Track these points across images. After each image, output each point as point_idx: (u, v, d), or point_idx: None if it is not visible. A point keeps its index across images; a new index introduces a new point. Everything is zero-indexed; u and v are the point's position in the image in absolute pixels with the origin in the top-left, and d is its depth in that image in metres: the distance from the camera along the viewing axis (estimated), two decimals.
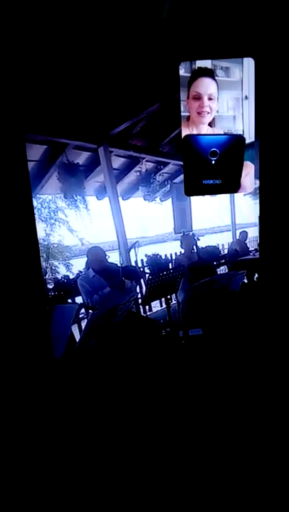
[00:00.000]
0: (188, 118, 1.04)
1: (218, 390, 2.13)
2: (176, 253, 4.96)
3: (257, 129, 1.08)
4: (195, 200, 4.67)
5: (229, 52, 1.02)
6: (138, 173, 3.62)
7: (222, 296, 3.27)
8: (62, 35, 1.58)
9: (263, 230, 1.75)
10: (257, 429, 1.75)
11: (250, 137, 1.12)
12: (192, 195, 1.16)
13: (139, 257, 4.24)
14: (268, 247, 1.76)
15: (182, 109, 1.06)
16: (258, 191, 5.09)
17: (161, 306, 4.89)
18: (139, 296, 4.02)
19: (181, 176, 4.60)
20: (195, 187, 1.06)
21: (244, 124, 1.03)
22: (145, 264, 4.45)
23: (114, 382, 2.22)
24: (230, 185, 1.06)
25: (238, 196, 5.67)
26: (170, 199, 4.48)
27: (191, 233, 3.96)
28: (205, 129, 1.03)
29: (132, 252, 3.70)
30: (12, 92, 1.44)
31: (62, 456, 1.67)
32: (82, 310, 3.38)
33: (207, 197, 4.88)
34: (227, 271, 4.95)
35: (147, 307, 4.55)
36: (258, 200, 5.75)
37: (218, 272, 4.90)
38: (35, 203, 4.07)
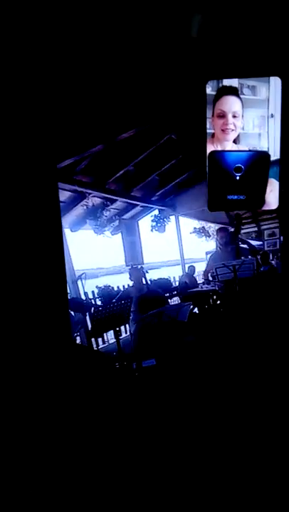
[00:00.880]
0: (213, 135, 1.08)
1: (174, 421, 2.10)
2: (128, 285, 5.02)
3: (282, 147, 1.10)
4: (144, 236, 4.88)
5: (256, 71, 1.06)
6: (85, 207, 3.74)
7: (172, 327, 3.34)
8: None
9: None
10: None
11: (275, 155, 1.12)
12: (216, 211, 1.16)
13: (89, 288, 4.25)
14: None
15: (208, 126, 1.08)
16: (201, 230, 5.40)
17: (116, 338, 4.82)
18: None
19: (131, 212, 4.84)
20: (219, 202, 1.07)
21: (269, 142, 1.06)
22: (96, 296, 4.46)
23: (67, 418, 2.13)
24: (255, 201, 1.07)
25: (185, 235, 6.00)
26: (124, 231, 4.63)
27: (139, 266, 4.08)
28: (229, 146, 1.06)
29: (79, 284, 3.71)
30: None
31: None
32: None
33: (155, 233, 5.12)
34: (177, 303, 5.10)
35: (100, 340, 4.48)
36: (202, 238, 6.11)
37: (171, 303, 5.02)
38: None
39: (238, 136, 1.07)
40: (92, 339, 4.14)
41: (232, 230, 4.29)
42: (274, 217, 6.91)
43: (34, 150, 1.65)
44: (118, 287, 4.86)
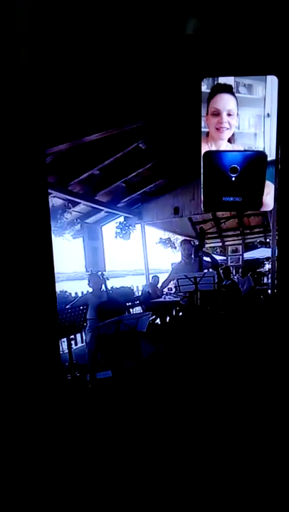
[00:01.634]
0: (207, 134, 1.04)
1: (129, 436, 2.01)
2: (87, 291, 4.88)
3: (278, 147, 1.07)
4: (108, 242, 4.78)
5: (252, 69, 1.04)
6: None
7: (130, 337, 3.24)
8: None
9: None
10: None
11: (270, 155, 1.10)
12: (211, 211, 1.13)
13: None
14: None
15: (202, 124, 1.05)
16: (167, 241, 5.40)
17: (68, 348, 4.65)
18: None
19: (94, 217, 4.74)
20: (214, 203, 1.03)
21: (265, 142, 1.03)
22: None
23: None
24: (252, 202, 1.03)
25: (150, 245, 5.99)
26: (86, 235, 4.51)
27: (99, 272, 3.96)
28: (224, 145, 1.03)
29: None
30: None
31: None
32: None
33: (120, 240, 5.05)
34: (138, 312, 5.02)
35: None
36: (168, 249, 6.13)
37: (132, 313, 4.94)
38: None
39: (233, 135, 1.04)
40: None
41: (197, 243, 4.32)
42: (237, 234, 7.10)
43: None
44: (76, 294, 4.69)
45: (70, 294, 4.38)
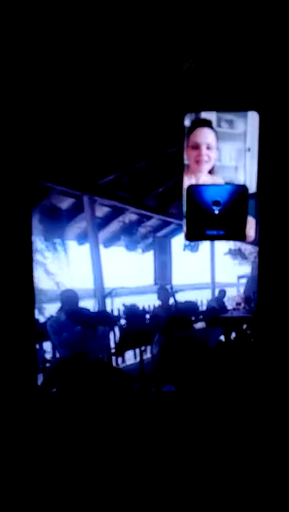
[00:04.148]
0: (188, 166, 1.09)
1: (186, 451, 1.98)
2: (154, 305, 4.92)
3: (258, 181, 1.11)
4: (176, 255, 4.79)
5: (234, 105, 1.10)
6: (121, 223, 3.74)
7: (198, 352, 3.19)
8: (56, 81, 1.68)
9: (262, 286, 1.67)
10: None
11: (251, 189, 1.13)
12: (194, 241, 1.18)
13: (115, 306, 4.19)
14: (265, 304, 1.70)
15: (184, 157, 1.11)
16: (237, 252, 5.23)
17: (136, 358, 4.72)
18: (113, 345, 3.89)
19: (165, 230, 4.79)
20: (197, 235, 1.08)
21: (246, 175, 1.06)
22: (122, 314, 4.37)
23: (77, 435, 2.06)
24: (235, 235, 1.06)
25: (218, 256, 5.85)
26: (152, 251, 4.59)
27: (168, 286, 3.99)
28: (204, 177, 1.07)
29: (107, 300, 3.66)
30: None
31: None
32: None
33: (188, 253, 5.02)
34: (204, 327, 4.92)
35: (120, 359, 4.37)
36: (237, 261, 5.90)
37: (195, 328, 4.85)
38: None
39: (213, 167, 1.05)
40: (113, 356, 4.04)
41: None
42: None
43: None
44: (144, 307, 4.77)
45: (138, 306, 4.46)
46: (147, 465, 1.87)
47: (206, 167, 1.06)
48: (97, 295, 3.72)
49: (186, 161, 1.09)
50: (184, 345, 3.19)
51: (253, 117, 1.06)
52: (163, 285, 4.07)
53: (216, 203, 1.03)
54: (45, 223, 3.08)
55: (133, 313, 4.28)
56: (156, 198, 3.93)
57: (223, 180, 1.07)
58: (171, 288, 3.89)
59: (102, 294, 3.72)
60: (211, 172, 1.06)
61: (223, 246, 6.00)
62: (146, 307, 4.87)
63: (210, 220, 1.04)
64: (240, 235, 1.07)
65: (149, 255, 4.45)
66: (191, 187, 1.04)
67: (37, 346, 3.22)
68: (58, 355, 2.93)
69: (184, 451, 1.95)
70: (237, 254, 6.16)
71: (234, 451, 1.87)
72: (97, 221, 3.43)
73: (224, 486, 1.71)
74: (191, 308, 4.97)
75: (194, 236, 1.07)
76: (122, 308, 4.37)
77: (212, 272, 5.78)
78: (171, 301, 3.90)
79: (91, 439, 1.89)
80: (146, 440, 2.09)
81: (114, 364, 4.15)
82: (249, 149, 1.05)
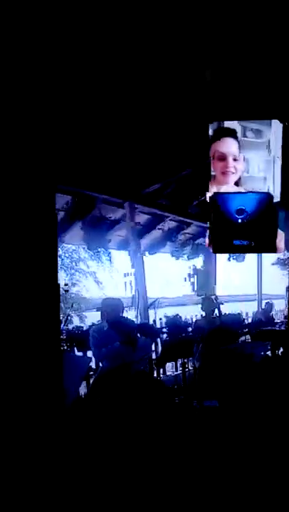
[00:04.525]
0: (214, 177, 1.09)
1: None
2: (196, 316, 4.80)
3: (283, 191, 1.07)
4: (221, 264, 4.64)
5: (258, 114, 1.08)
6: (161, 231, 3.71)
7: (243, 367, 3.03)
8: (98, 93, 1.72)
9: None
10: None
11: (276, 198, 1.11)
12: (221, 253, 1.13)
13: (157, 316, 4.13)
14: None
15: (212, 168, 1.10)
16: (286, 262, 4.94)
17: (176, 370, 4.62)
18: (154, 356, 3.83)
19: (206, 238, 4.67)
20: (225, 246, 1.05)
21: (275, 185, 1.05)
22: (164, 325, 4.30)
23: (117, 445, 2.03)
24: (264, 246, 1.03)
25: (266, 266, 5.58)
26: (200, 257, 4.48)
27: (213, 297, 3.85)
28: (230, 189, 1.05)
29: (151, 310, 3.62)
30: (47, 146, 1.56)
31: None
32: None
33: (233, 263, 4.83)
34: (250, 341, 4.69)
35: (161, 370, 4.29)
36: (286, 271, 5.58)
37: (240, 341, 4.64)
38: (59, 252, 4.24)
39: (240, 178, 1.03)
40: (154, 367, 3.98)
41: None
42: None
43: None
44: (186, 318, 4.67)
45: (180, 317, 4.37)
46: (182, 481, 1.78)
47: (233, 178, 1.03)
48: (139, 305, 3.69)
49: (212, 172, 1.10)
50: (228, 360, 3.04)
51: (277, 126, 1.03)
52: (208, 296, 3.94)
53: (240, 211, 0.98)
54: (88, 232, 3.14)
55: (175, 325, 4.19)
56: (199, 205, 3.85)
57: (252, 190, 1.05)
58: (216, 299, 3.75)
59: (144, 303, 3.69)
60: (237, 184, 1.03)
61: (271, 256, 5.69)
62: (189, 318, 4.77)
63: (236, 229, 1.00)
64: (270, 247, 1.00)
65: (192, 263, 4.36)
66: (215, 195, 1.01)
67: (80, 353, 3.27)
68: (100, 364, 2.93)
69: (224, 470, 1.85)
70: (286, 264, 5.79)
71: (280, 477, 1.74)
72: (138, 229, 3.43)
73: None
74: (236, 320, 4.76)
75: (221, 247, 1.04)
76: (164, 319, 4.31)
77: (259, 282, 5.51)
78: (216, 312, 3.76)
79: (129, 448, 1.86)
80: (186, 454, 2.04)
81: (155, 375, 4.10)
82: (279, 157, 1.03)
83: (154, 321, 4.08)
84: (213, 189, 1.09)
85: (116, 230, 3.50)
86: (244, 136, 1.04)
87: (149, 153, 2.57)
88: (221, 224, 1.00)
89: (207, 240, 1.08)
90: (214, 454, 2.06)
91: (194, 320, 4.63)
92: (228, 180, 1.05)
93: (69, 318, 3.58)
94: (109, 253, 3.39)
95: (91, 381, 2.95)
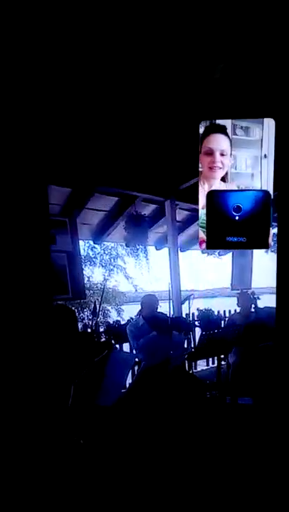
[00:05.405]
0: (200, 173, 1.05)
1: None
2: (229, 311, 4.72)
3: (275, 188, 1.05)
4: (257, 257, 4.49)
5: (250, 112, 1.05)
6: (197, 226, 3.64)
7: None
8: (135, 92, 1.76)
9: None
10: None
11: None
12: (214, 249, 1.19)
13: (191, 311, 4.10)
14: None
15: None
16: None
17: (208, 365, 4.59)
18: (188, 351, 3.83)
19: None
20: (218, 243, 1.02)
21: (262, 182, 1.03)
22: (196, 319, 4.27)
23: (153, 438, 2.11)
24: (257, 242, 1.02)
25: None
26: (230, 254, 4.39)
27: (250, 291, 3.75)
28: (217, 184, 1.03)
29: (185, 304, 3.60)
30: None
31: None
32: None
33: (271, 256, 4.67)
34: None
35: (192, 364, 4.28)
36: None
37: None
38: (98, 249, 4.37)
39: (226, 174, 1.01)
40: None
41: None
42: None
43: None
44: (219, 312, 4.59)
45: (213, 311, 4.30)
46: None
47: (220, 174, 1.02)
48: (173, 299, 3.69)
49: (200, 168, 1.04)
50: (266, 357, 2.97)
51: (269, 124, 1.02)
52: (244, 290, 3.84)
53: (238, 209, 0.99)
54: (129, 230, 3.17)
55: (208, 319, 4.14)
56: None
57: (239, 187, 1.02)
58: (253, 294, 3.65)
59: (178, 298, 3.68)
60: (224, 179, 1.02)
61: None
62: (222, 312, 4.69)
63: (231, 226, 1.00)
64: (262, 243, 1.01)
65: (225, 258, 4.27)
66: (211, 192, 1.00)
67: (117, 347, 3.34)
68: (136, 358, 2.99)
69: (254, 469, 1.85)
70: None
71: None
72: (177, 225, 3.40)
73: None
74: (273, 316, 4.62)
75: (215, 244, 1.01)
76: (196, 313, 4.27)
77: None
78: (252, 307, 3.67)
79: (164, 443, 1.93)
80: (218, 452, 2.08)
81: (187, 370, 4.10)
82: (265, 156, 1.01)
83: (187, 314, 4.06)
84: (200, 185, 1.03)
85: (155, 227, 3.51)
86: (234, 134, 1.03)
87: (186, 148, 2.56)
88: (217, 221, 1.01)
89: (202, 236, 1.07)
90: (245, 451, 2.05)
91: (229, 315, 4.56)
92: (215, 175, 1.03)
93: (106, 312, 3.65)
94: (147, 250, 3.39)
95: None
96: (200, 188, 1.06)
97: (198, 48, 1.63)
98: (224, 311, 4.74)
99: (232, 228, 0.99)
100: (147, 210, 3.19)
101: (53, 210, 2.88)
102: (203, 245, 1.02)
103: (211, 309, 4.32)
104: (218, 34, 1.55)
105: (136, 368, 3.22)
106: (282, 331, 1.67)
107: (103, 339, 3.25)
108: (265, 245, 1.02)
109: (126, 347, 3.47)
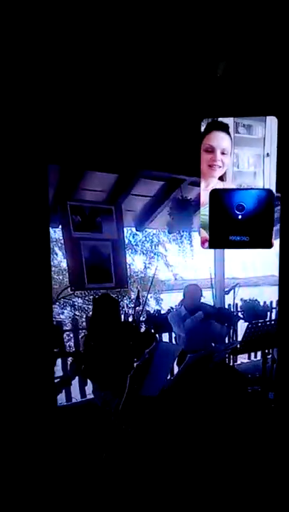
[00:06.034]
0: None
1: None
2: (276, 301, 4.47)
3: (278, 186, 1.05)
4: None
5: (252, 110, 1.06)
6: None
7: None
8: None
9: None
10: None
11: None
12: (216, 248, 1.16)
13: (235, 301, 3.95)
14: None
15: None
16: None
17: (249, 358, 4.45)
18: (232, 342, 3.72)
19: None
20: (221, 241, 1.05)
21: (264, 181, 1.03)
22: (239, 309, 4.09)
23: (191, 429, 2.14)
24: (261, 242, 1.03)
25: None
26: (278, 240, 4.13)
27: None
28: (214, 183, 1.03)
29: (230, 294, 3.48)
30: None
31: None
32: None
33: None
34: None
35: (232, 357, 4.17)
36: None
37: None
38: (140, 236, 4.30)
39: (225, 173, 1.03)
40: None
41: None
42: None
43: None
44: (265, 302, 4.38)
45: (258, 302, 4.09)
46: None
47: (219, 172, 1.03)
48: (216, 288, 3.56)
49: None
50: None
51: (271, 122, 1.02)
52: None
53: (241, 207, 0.99)
54: (175, 215, 3.07)
55: (253, 311, 3.96)
56: None
57: (242, 186, 1.04)
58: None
59: (222, 286, 3.56)
60: (221, 178, 1.03)
61: None
62: (268, 303, 4.47)
63: (234, 225, 1.01)
64: (265, 242, 1.01)
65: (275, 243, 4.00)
66: (214, 191, 1.01)
67: (157, 336, 3.31)
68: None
69: None
70: None
71: None
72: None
73: None
74: None
75: (218, 243, 1.04)
76: (239, 304, 4.10)
77: None
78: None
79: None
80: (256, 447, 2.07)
81: (228, 362, 4.00)
82: (268, 155, 1.02)
83: (230, 305, 3.92)
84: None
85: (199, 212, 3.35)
86: (236, 132, 1.02)
87: None
88: (220, 220, 1.02)
89: (203, 235, 1.04)
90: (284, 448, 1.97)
91: (275, 306, 4.35)
92: (214, 173, 1.03)
93: (146, 300, 3.62)
94: (191, 236, 3.28)
95: None
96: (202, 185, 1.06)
97: (201, 45, 1.63)
98: (271, 302, 4.51)
99: (235, 227, 1.00)
100: (193, 193, 3.05)
101: (99, 198, 2.83)
102: (206, 244, 1.03)
103: (256, 300, 4.12)
104: (220, 32, 1.55)
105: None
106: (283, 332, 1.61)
107: (143, 329, 3.22)
108: (268, 245, 1.01)
109: (165, 337, 3.44)
